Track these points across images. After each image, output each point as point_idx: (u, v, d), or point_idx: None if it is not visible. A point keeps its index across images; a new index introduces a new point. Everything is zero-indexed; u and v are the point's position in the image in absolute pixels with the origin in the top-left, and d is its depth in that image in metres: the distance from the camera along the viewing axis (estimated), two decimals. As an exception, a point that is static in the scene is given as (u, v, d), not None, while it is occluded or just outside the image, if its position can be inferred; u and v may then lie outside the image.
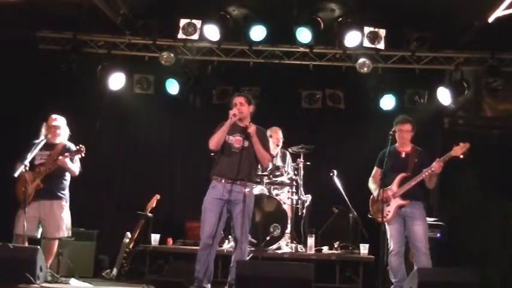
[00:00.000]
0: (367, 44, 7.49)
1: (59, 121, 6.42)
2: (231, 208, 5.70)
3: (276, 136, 7.63)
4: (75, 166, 6.32)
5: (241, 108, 5.76)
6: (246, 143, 5.73)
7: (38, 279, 5.62)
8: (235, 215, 5.67)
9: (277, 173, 7.50)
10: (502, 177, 7.74)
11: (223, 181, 5.68)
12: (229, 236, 6.92)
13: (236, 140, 5.74)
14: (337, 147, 8.68)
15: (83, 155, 6.28)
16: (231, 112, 5.71)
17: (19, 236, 6.03)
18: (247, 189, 5.61)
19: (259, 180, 7.41)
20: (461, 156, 5.77)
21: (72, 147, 6.33)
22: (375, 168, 6.21)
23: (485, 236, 7.67)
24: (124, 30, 7.86)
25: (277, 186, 7.54)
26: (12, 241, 6.00)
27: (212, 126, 5.92)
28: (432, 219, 7.13)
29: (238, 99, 5.83)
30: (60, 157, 6.13)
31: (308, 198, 7.53)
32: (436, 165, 5.79)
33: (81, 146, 6.27)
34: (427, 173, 5.84)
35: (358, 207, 7.32)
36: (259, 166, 6.30)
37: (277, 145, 7.67)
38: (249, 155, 5.72)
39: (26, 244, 5.97)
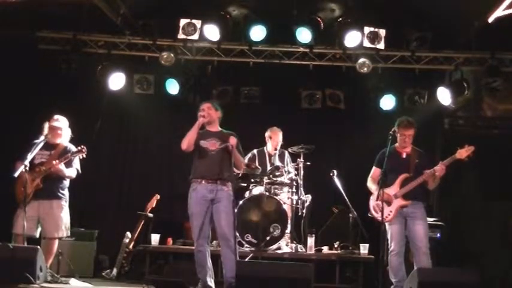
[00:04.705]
0: (367, 44, 7.48)
1: (61, 122, 6.39)
2: (214, 207, 5.81)
3: (275, 139, 7.62)
4: (71, 170, 6.28)
5: (208, 111, 5.94)
6: (222, 145, 5.87)
7: (38, 279, 5.62)
8: (219, 212, 5.78)
9: (277, 173, 7.49)
10: (502, 177, 7.74)
11: (203, 182, 5.82)
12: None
13: (211, 144, 5.90)
14: (337, 147, 8.69)
15: (85, 155, 6.27)
16: (199, 114, 5.90)
17: (18, 235, 6.01)
18: (227, 188, 5.81)
19: (259, 180, 7.42)
20: (466, 159, 5.78)
21: (73, 148, 6.30)
22: (374, 168, 6.20)
23: (485, 236, 7.67)
24: (124, 30, 7.85)
25: (277, 186, 7.54)
26: (11, 241, 5.99)
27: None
28: (432, 219, 7.13)
29: (205, 105, 6.04)
30: (54, 162, 6.10)
31: (308, 198, 7.53)
32: (439, 168, 5.79)
33: (82, 146, 6.25)
34: (430, 175, 5.83)
35: (358, 207, 7.31)
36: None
37: (276, 148, 7.65)
38: (226, 156, 5.86)
39: (25, 244, 5.95)
